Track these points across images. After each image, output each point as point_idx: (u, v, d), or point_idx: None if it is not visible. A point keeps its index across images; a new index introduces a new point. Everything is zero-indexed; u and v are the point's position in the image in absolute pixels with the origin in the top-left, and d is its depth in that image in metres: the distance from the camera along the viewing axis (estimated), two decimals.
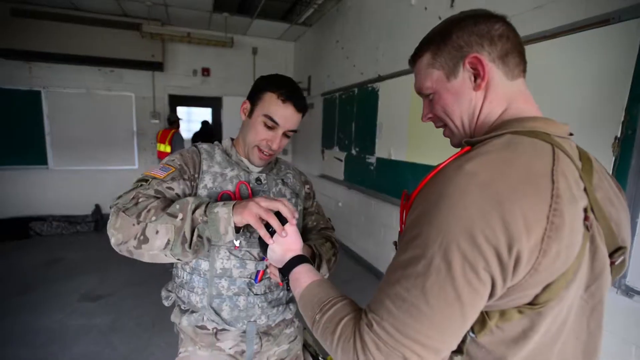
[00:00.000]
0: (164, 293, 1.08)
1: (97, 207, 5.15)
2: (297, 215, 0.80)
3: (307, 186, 1.15)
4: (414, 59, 0.66)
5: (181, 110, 5.69)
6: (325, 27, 4.60)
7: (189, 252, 0.78)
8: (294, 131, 0.97)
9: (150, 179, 0.87)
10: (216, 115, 6.15)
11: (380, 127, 3.34)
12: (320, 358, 1.17)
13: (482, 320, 0.52)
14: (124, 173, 5.33)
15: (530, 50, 0.74)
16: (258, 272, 0.96)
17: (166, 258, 0.80)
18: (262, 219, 0.77)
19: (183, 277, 0.98)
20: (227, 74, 5.63)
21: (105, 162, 5.24)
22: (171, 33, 4.75)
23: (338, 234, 4.30)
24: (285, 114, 0.93)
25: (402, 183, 3.01)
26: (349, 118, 3.95)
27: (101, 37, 4.75)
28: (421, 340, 0.47)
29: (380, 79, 3.26)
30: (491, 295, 0.48)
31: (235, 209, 0.78)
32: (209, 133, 6.82)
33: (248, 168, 1.00)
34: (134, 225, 0.77)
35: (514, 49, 0.58)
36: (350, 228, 4.07)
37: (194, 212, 0.78)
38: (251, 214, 0.76)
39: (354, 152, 3.87)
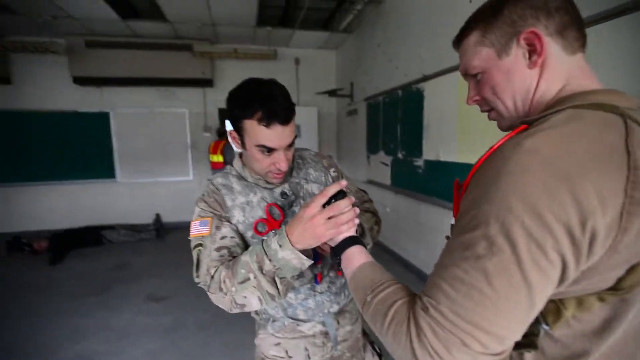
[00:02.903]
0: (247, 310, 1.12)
1: (158, 216, 5.56)
2: (344, 183, 0.75)
3: (332, 169, 1.09)
4: (460, 38, 0.62)
5: (229, 123, 5.95)
6: (366, 32, 4.61)
7: (284, 297, 0.82)
8: (295, 140, 0.90)
9: (203, 242, 0.87)
10: None
11: (427, 128, 3.25)
12: (377, 347, 1.17)
13: (557, 310, 0.47)
14: (181, 184, 5.71)
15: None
16: (316, 275, 0.98)
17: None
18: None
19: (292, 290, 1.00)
20: None
21: (164, 174, 5.65)
22: (219, 50, 5.05)
23: (386, 240, 4.24)
24: (275, 136, 0.83)
25: (452, 185, 2.89)
26: (394, 121, 3.89)
27: (158, 59, 5.18)
28: (483, 325, 0.43)
29: (425, 78, 3.19)
30: (563, 278, 0.44)
31: (294, 243, 0.75)
32: None
33: (268, 184, 0.96)
34: (223, 297, 0.82)
35: (573, 22, 0.53)
36: (399, 234, 3.98)
37: (262, 270, 0.78)
38: (325, 235, 0.73)
39: (400, 155, 3.80)
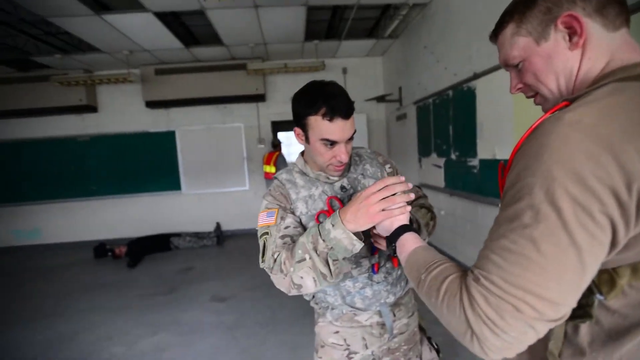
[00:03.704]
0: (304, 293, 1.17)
1: (218, 224, 5.94)
2: (402, 179, 0.80)
3: (387, 165, 1.13)
4: (496, 32, 0.64)
5: (282, 135, 6.24)
6: (412, 35, 4.59)
7: (335, 279, 0.87)
8: (354, 134, 0.97)
9: (269, 230, 0.95)
10: None
11: (481, 126, 3.12)
12: (434, 343, 1.15)
13: (611, 279, 0.47)
14: (238, 194, 6.07)
15: None
16: (373, 265, 1.01)
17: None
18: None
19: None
20: None
21: (223, 185, 6.06)
22: (271, 67, 5.34)
23: (442, 244, 4.09)
24: (338, 130, 0.90)
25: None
26: (445, 122, 3.80)
27: (216, 79, 5.64)
28: (534, 290, 0.43)
29: (476, 76, 3.09)
30: (614, 243, 0.43)
31: (346, 222, 0.80)
32: None
33: (328, 179, 1.02)
34: (283, 278, 0.89)
35: None
36: (455, 237, 3.83)
37: (316, 250, 0.84)
38: (377, 216, 0.78)
39: (453, 156, 3.68)
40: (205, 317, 3.01)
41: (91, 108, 5.70)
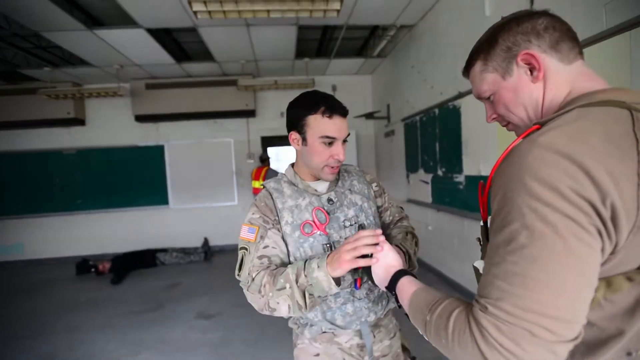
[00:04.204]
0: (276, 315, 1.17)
1: (206, 239, 5.87)
2: (379, 232, 0.87)
3: (374, 184, 1.18)
4: (467, 69, 0.70)
5: (271, 150, 6.27)
6: (400, 55, 4.75)
7: (307, 311, 0.93)
8: (348, 136, 1.04)
9: (248, 247, 0.99)
10: None
11: (466, 143, 3.22)
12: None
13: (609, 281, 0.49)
14: (227, 209, 6.03)
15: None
16: (355, 280, 1.02)
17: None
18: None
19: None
20: None
21: (211, 200, 6.01)
22: (261, 83, 5.41)
23: (430, 258, 4.12)
24: (336, 127, 0.98)
25: None
26: (432, 139, 3.90)
27: (206, 95, 5.68)
28: (547, 311, 0.43)
29: (461, 95, 3.20)
30: (603, 252, 0.46)
31: (330, 266, 0.87)
32: None
33: (316, 191, 1.06)
34: (260, 298, 0.94)
35: (564, 35, 0.59)
36: (443, 252, 3.86)
37: (297, 281, 0.90)
38: (344, 263, 0.85)
39: (440, 172, 3.76)
40: (191, 335, 2.94)
41: (79, 121, 5.65)
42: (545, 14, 0.61)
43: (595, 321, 0.49)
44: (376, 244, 0.86)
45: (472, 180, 3.15)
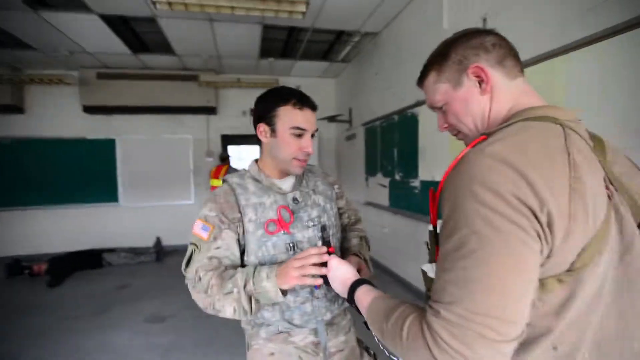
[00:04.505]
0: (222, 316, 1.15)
1: (158, 239, 5.58)
2: (323, 250, 0.91)
3: (335, 186, 1.21)
4: (421, 80, 0.75)
5: (233, 149, 6.13)
6: (364, 61, 4.87)
7: (251, 316, 0.97)
8: (316, 131, 1.06)
9: (199, 244, 0.98)
10: None
11: (423, 150, 3.37)
12: (371, 351, 1.19)
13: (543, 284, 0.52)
14: (182, 207, 5.79)
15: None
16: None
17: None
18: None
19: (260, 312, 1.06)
20: None
21: (166, 198, 5.75)
22: (223, 80, 5.30)
23: (385, 260, 4.25)
24: (307, 119, 1.00)
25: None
26: (391, 144, 4.03)
27: (165, 89, 5.42)
28: (495, 313, 0.46)
29: (419, 103, 3.35)
30: (542, 254, 0.50)
31: (279, 278, 0.90)
32: None
33: (281, 189, 1.05)
34: (205, 298, 0.94)
35: (508, 53, 0.66)
36: (397, 254, 4.00)
37: (245, 287, 0.91)
38: (292, 279, 0.88)
39: (397, 177, 3.90)
40: (139, 340, 2.78)
41: (16, 108, 5.15)
42: (492, 32, 0.67)
43: (530, 320, 0.52)
44: (323, 264, 0.89)
45: (427, 185, 3.30)
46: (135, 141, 5.63)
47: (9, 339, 2.83)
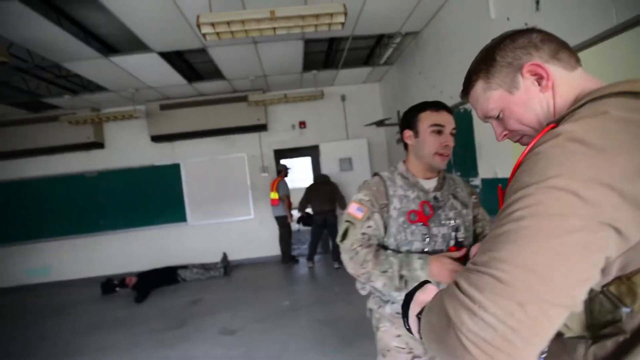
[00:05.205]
0: (359, 285, 1.33)
1: (225, 254, 5.92)
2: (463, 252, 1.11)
3: (473, 196, 1.31)
4: (466, 91, 0.70)
5: (284, 162, 6.31)
6: (406, 62, 4.75)
7: (402, 290, 1.11)
8: (455, 131, 1.20)
9: (355, 222, 1.18)
10: (315, 161, 6.62)
11: (480, 146, 3.18)
12: None
13: (629, 289, 0.46)
14: (243, 223, 6.09)
15: None
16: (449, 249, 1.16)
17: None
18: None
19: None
20: (321, 123, 6.16)
21: (228, 215, 6.08)
22: (271, 98, 5.49)
23: None
24: (443, 118, 1.17)
25: None
26: None
27: (219, 112, 5.79)
28: (518, 261, 0.41)
29: None
30: (621, 241, 0.43)
31: (433, 275, 1.06)
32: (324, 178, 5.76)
33: (424, 188, 1.22)
34: (359, 269, 1.15)
35: (560, 46, 0.61)
36: None
37: (399, 270, 1.09)
38: (447, 281, 1.02)
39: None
40: (215, 352, 2.96)
41: (98, 145, 5.86)
42: (535, 30, 0.63)
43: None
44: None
45: (489, 183, 3.10)
46: (197, 164, 6.07)
47: (107, 351, 3.19)
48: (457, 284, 0.45)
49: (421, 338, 0.56)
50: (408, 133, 1.23)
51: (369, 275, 1.13)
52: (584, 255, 0.41)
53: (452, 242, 1.17)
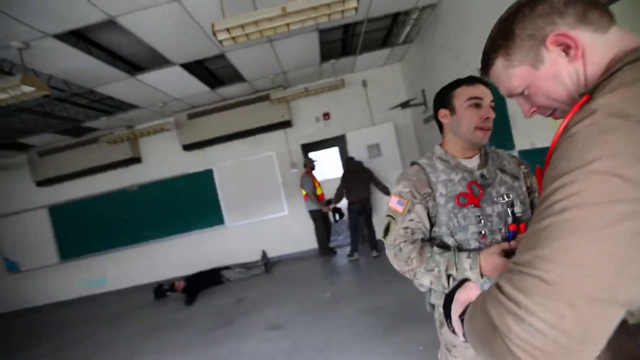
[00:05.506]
0: (416, 282, 1.29)
1: (264, 252, 6.08)
2: (513, 245, 0.98)
3: (522, 166, 1.21)
4: (486, 70, 0.64)
5: (313, 155, 6.30)
6: (427, 36, 4.56)
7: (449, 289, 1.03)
8: (493, 103, 1.12)
9: (396, 217, 1.14)
10: (342, 151, 6.59)
11: (514, 117, 3.00)
12: None
13: None
14: (278, 220, 6.19)
15: None
16: (510, 232, 1.09)
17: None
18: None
19: None
20: (345, 112, 6.09)
21: (263, 213, 6.22)
22: (292, 93, 5.50)
23: None
24: (480, 90, 1.10)
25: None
26: None
27: (243, 114, 5.90)
28: (562, 257, 0.38)
29: None
30: None
31: (484, 270, 0.98)
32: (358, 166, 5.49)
33: (467, 167, 1.14)
34: (405, 266, 1.10)
35: (588, 6, 0.53)
36: None
37: (446, 270, 1.02)
38: (496, 271, 0.95)
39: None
40: (263, 347, 3.06)
41: (136, 160, 6.18)
42: None
43: None
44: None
45: (527, 154, 2.91)
46: (228, 167, 6.24)
47: (165, 352, 3.39)
48: (499, 287, 0.42)
49: (466, 341, 0.53)
50: (443, 112, 1.16)
51: (414, 272, 1.08)
52: (637, 244, 0.37)
53: (509, 220, 1.09)
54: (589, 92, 0.49)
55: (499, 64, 0.61)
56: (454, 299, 0.62)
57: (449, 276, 1.02)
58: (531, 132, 2.80)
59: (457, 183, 1.11)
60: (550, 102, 0.59)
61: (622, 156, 0.38)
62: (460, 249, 1.10)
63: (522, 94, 0.61)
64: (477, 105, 1.08)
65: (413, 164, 1.21)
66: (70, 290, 6.46)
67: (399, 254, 1.10)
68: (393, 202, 1.15)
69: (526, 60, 0.57)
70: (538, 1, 0.55)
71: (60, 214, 6.39)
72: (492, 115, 1.10)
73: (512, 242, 0.99)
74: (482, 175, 1.12)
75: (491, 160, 1.17)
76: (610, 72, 0.48)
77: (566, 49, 0.54)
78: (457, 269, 1.00)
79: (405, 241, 1.10)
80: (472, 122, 1.09)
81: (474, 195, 1.09)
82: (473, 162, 1.15)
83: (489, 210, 1.09)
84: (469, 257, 1.01)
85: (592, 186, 0.39)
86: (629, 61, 0.47)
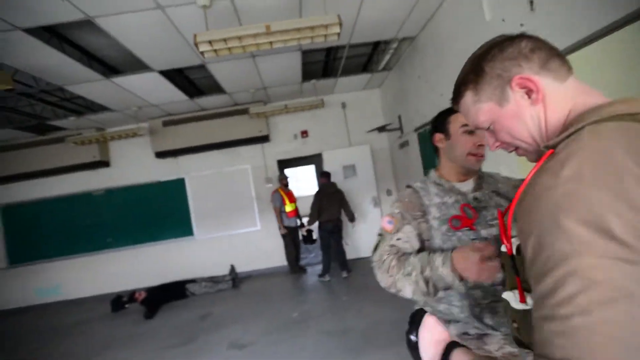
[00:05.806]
0: (402, 295, 1.26)
1: (232, 267, 5.92)
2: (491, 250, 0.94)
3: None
4: (456, 100, 0.69)
5: (289, 171, 6.30)
6: (405, 66, 4.76)
7: (432, 296, 1.04)
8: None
9: (384, 235, 1.16)
10: (319, 169, 6.63)
11: (486, 147, 3.15)
12: None
13: None
14: (250, 234, 6.09)
15: None
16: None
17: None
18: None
19: (439, 293, 1.09)
20: (323, 131, 6.18)
21: (234, 226, 6.09)
22: (272, 109, 5.53)
23: None
24: None
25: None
26: None
27: (221, 125, 5.84)
28: None
29: None
30: None
31: (459, 270, 0.95)
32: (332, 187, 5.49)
33: (460, 191, 1.15)
34: (388, 277, 1.09)
35: (550, 54, 0.59)
36: None
37: (422, 272, 1.01)
38: (474, 273, 0.92)
39: None
40: None
41: (104, 163, 5.93)
42: (524, 36, 0.61)
43: None
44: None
45: None
46: (202, 177, 6.11)
47: None
48: None
49: None
50: (439, 137, 1.19)
51: (395, 282, 1.06)
52: None
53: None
54: (553, 147, 0.53)
55: (469, 97, 0.66)
56: (420, 337, 0.66)
57: (426, 280, 1.01)
58: (499, 163, 2.96)
59: (450, 206, 1.12)
60: (512, 140, 0.63)
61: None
62: None
63: (488, 128, 0.65)
64: (472, 132, 1.11)
65: (408, 187, 1.24)
66: (21, 298, 6.00)
67: (382, 265, 1.12)
68: (384, 222, 1.18)
69: (493, 97, 0.62)
70: (508, 44, 0.60)
71: (13, 215, 5.99)
72: (484, 143, 1.11)
73: (483, 245, 0.95)
74: (475, 198, 1.13)
75: (486, 183, 1.18)
76: (573, 130, 0.51)
77: (529, 92, 0.59)
78: (430, 268, 1.00)
79: (389, 254, 1.12)
80: (466, 148, 1.11)
81: (467, 217, 1.09)
82: (467, 186, 1.17)
83: (484, 233, 1.08)
84: (441, 254, 1.01)
85: (598, 272, 0.40)
86: (587, 123, 0.50)
